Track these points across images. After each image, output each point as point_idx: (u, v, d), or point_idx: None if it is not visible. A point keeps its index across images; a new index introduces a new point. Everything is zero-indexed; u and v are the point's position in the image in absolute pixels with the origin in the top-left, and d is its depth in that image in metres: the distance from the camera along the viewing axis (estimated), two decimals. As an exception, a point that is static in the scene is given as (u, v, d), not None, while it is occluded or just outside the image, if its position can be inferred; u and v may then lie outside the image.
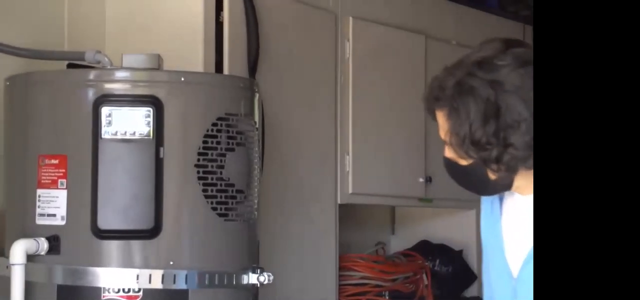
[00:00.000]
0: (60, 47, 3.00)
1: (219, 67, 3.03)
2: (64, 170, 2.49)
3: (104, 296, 2.48)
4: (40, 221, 2.51)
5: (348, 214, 3.62)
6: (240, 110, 2.60)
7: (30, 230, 2.50)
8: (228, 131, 2.56)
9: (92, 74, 2.56)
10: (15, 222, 2.57)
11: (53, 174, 2.49)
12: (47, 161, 2.50)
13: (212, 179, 2.54)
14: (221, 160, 2.55)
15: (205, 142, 2.53)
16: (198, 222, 2.55)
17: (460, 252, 4.09)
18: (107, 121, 2.48)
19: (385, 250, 4.01)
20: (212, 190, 2.54)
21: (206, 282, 2.53)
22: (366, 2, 3.61)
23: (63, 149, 2.50)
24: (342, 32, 3.51)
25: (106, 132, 2.47)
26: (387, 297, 3.77)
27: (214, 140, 2.54)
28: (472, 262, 4.09)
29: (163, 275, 2.48)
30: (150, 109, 2.49)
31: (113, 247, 2.50)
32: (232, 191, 2.57)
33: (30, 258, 2.46)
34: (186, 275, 2.51)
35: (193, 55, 2.99)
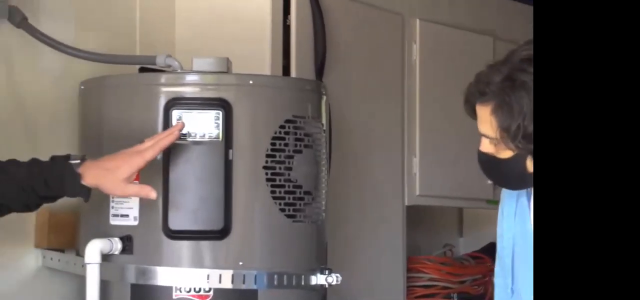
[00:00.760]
0: (132, 52, 3.02)
1: (286, 70, 3.04)
2: (136, 172, 2.51)
3: (175, 295, 2.49)
4: (113, 222, 2.53)
5: (416, 216, 3.61)
6: (308, 113, 2.61)
7: (104, 231, 2.52)
8: (296, 133, 2.56)
9: (163, 78, 2.56)
10: (90, 223, 2.59)
11: (126, 176, 2.51)
12: (120, 163, 2.53)
13: (280, 180, 2.54)
14: (289, 162, 2.55)
15: (273, 144, 2.53)
16: (267, 223, 2.54)
17: (529, 254, 4.07)
18: (177, 124, 2.47)
19: (453, 252, 3.98)
20: (280, 192, 2.54)
21: (275, 282, 2.53)
22: (433, 4, 3.59)
23: (135, 151, 2.52)
24: (409, 34, 3.50)
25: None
26: (455, 299, 3.76)
27: (282, 142, 2.54)
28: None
29: (233, 276, 2.49)
30: (220, 112, 2.50)
31: (184, 247, 2.50)
32: (300, 193, 2.57)
33: (105, 257, 2.48)
34: (255, 276, 2.51)
35: (261, 59, 3.01)
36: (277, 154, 2.54)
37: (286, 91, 2.64)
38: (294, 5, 3.06)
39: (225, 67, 2.58)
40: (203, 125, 2.50)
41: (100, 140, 2.57)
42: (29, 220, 2.77)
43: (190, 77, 2.55)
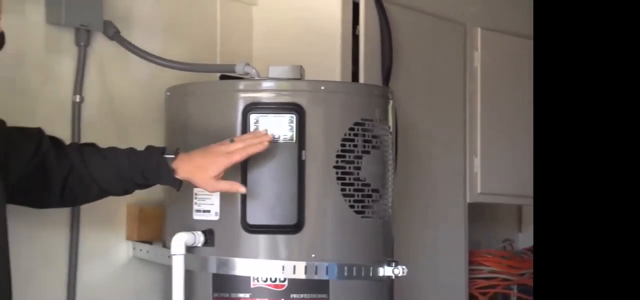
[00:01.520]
0: (213, 61, 3.02)
1: (355, 76, 3.03)
2: (217, 171, 2.51)
3: (253, 285, 2.50)
4: (196, 216, 2.54)
5: (477, 212, 3.59)
6: (375, 116, 2.59)
7: (188, 225, 2.53)
8: (364, 135, 2.56)
9: (241, 85, 2.56)
10: (176, 217, 2.61)
11: (208, 175, 2.51)
12: (203, 163, 2.53)
13: (349, 179, 2.53)
14: (358, 162, 2.54)
15: (343, 145, 2.53)
16: (337, 218, 2.53)
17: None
18: (255, 127, 2.49)
19: (513, 246, 3.96)
20: (349, 190, 2.53)
21: (345, 273, 2.52)
22: (494, 13, 3.56)
23: (216, 152, 2.52)
24: (471, 42, 3.48)
25: (254, 137, 2.49)
26: (515, 291, 3.73)
27: (351, 143, 2.53)
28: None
29: (306, 267, 2.49)
30: (293, 116, 2.50)
31: (261, 240, 2.51)
32: (368, 190, 2.56)
33: (189, 249, 2.49)
34: (327, 267, 2.50)
35: (332, 66, 3.00)
36: (347, 154, 2.54)
37: (355, 96, 2.63)
38: (363, 16, 3.04)
39: (299, 74, 2.58)
40: (278, 128, 2.50)
41: (185, 141, 2.56)
42: (121, 215, 2.82)
43: (267, 84, 2.55)
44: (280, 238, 2.52)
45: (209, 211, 2.54)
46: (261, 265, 2.50)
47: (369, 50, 3.07)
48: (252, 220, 2.51)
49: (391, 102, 2.69)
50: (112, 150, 2.38)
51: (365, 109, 2.59)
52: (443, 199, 3.40)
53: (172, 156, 2.35)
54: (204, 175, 2.33)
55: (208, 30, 3.06)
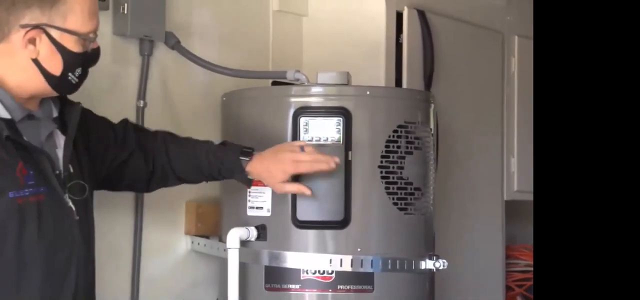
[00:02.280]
0: (266, 67, 3.04)
1: (398, 82, 3.03)
2: (269, 171, 2.52)
3: (302, 276, 2.50)
4: (250, 213, 2.55)
5: (513, 209, 3.56)
6: (418, 119, 2.58)
7: (242, 220, 2.55)
8: (407, 137, 2.55)
9: (292, 90, 2.57)
10: (231, 214, 2.62)
11: (261, 175, 2.53)
12: (256, 164, 2.54)
13: (393, 178, 2.53)
14: (401, 162, 2.54)
15: (387, 146, 2.52)
16: (381, 215, 2.53)
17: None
18: (305, 129, 2.50)
19: None
20: (393, 188, 2.53)
21: (389, 266, 2.51)
22: (530, 22, 3.54)
23: (269, 154, 2.53)
24: (508, 49, 3.46)
25: (304, 138, 2.49)
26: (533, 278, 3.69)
27: (395, 144, 2.53)
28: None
29: (352, 260, 2.49)
30: (341, 119, 2.50)
31: (309, 235, 2.51)
32: (411, 189, 2.55)
33: (243, 243, 2.51)
34: (372, 260, 2.50)
35: (376, 72, 3.00)
36: (391, 155, 2.53)
37: (399, 100, 2.62)
38: (406, 25, 3.04)
39: (346, 80, 2.58)
40: (326, 130, 2.50)
41: (239, 143, 2.55)
42: (180, 211, 2.84)
43: (316, 89, 2.56)
44: (328, 233, 2.52)
45: (261, 208, 2.54)
46: (310, 259, 2.50)
47: (412, 57, 3.06)
48: (301, 216, 2.52)
49: (432, 105, 2.68)
50: (192, 143, 2.42)
51: (408, 112, 2.58)
52: (481, 196, 3.39)
53: (247, 159, 2.38)
54: (273, 179, 2.38)
55: (261, 40, 3.07)
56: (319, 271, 2.51)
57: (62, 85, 2.07)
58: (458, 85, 3.26)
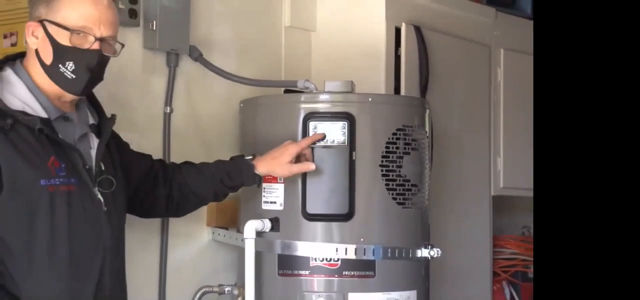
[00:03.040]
0: (278, 77, 3.04)
1: (397, 90, 3.01)
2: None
3: (312, 263, 2.51)
4: (265, 207, 2.56)
5: (500, 204, 3.56)
6: (415, 123, 2.59)
7: (258, 213, 2.56)
8: (405, 139, 2.55)
9: (302, 97, 2.57)
10: (247, 207, 2.63)
11: (277, 172, 2.51)
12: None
13: (392, 175, 2.53)
14: (399, 162, 2.54)
15: (387, 147, 2.53)
16: (382, 208, 2.54)
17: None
18: (313, 132, 2.51)
19: (530, 232, 3.91)
20: (392, 185, 2.54)
21: (389, 254, 2.52)
22: (514, 36, 3.52)
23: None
24: (495, 60, 3.45)
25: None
26: (532, 269, 3.70)
27: (394, 146, 2.54)
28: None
29: (356, 249, 2.49)
30: (346, 123, 2.51)
31: (318, 227, 2.52)
32: (408, 185, 2.56)
33: (258, 234, 2.51)
34: (373, 249, 2.50)
35: (377, 81, 2.99)
36: (390, 155, 2.54)
37: (397, 106, 2.62)
38: (404, 39, 3.03)
39: (350, 88, 2.58)
40: (333, 133, 2.52)
41: (255, 144, 2.60)
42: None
43: (323, 96, 2.56)
44: (335, 225, 2.52)
45: (275, 202, 2.55)
46: (318, 248, 2.51)
47: (409, 68, 3.06)
48: (311, 210, 2.53)
49: (428, 111, 2.69)
50: (204, 163, 2.47)
51: (406, 117, 2.59)
52: (471, 192, 3.37)
53: (251, 157, 2.44)
54: (281, 163, 2.40)
55: (274, 52, 3.07)
56: (326, 259, 2.51)
57: (55, 76, 2.02)
58: (450, 93, 3.26)
